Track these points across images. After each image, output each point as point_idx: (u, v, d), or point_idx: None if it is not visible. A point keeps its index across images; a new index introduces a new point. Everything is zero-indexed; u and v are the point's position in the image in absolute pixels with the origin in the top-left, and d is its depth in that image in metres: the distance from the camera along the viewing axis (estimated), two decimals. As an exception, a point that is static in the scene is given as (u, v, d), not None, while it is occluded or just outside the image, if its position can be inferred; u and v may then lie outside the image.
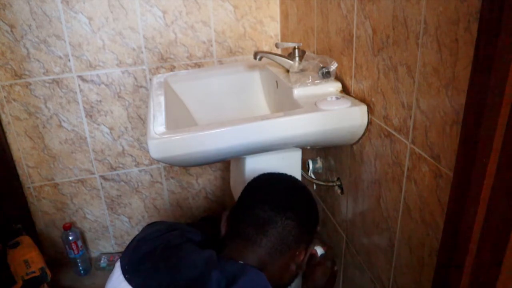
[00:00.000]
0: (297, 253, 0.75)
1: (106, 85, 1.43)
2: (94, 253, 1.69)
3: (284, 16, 1.43)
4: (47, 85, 1.38)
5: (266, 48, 1.52)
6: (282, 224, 0.71)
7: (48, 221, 1.59)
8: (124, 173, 1.59)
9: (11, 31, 1.29)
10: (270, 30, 1.50)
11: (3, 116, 1.39)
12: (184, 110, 1.25)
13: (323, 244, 0.88)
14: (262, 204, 0.72)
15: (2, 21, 1.27)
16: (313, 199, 0.81)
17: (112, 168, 1.57)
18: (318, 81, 1.00)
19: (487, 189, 0.52)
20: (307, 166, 1.20)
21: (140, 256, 0.70)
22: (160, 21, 1.39)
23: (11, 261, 1.37)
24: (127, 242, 1.69)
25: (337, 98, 0.92)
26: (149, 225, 0.80)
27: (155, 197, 1.67)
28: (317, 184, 1.19)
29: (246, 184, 0.82)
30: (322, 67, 0.99)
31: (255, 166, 1.05)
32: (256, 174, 1.01)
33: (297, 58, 1.10)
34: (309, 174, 1.20)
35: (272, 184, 0.79)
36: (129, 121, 1.51)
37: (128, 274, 0.68)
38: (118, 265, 0.71)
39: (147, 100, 1.46)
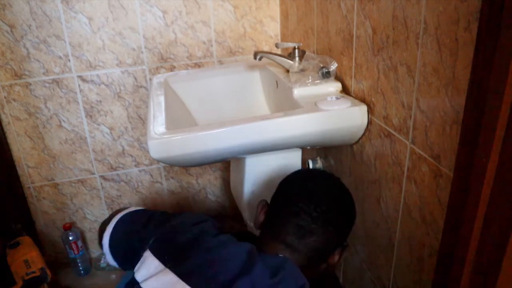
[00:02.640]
0: (332, 255, 0.76)
1: (106, 85, 1.43)
2: (94, 253, 1.69)
3: (284, 16, 1.43)
4: (47, 85, 1.38)
5: (266, 48, 1.52)
6: (324, 236, 0.72)
7: (48, 221, 1.59)
8: (124, 173, 1.59)
9: (11, 31, 1.29)
10: (270, 30, 1.50)
11: (3, 116, 1.39)
12: (184, 110, 1.25)
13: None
14: (305, 214, 0.71)
15: (2, 21, 1.27)
16: (354, 206, 0.80)
17: (112, 168, 1.57)
18: (318, 81, 1.00)
19: (487, 189, 0.52)
20: (307, 166, 1.20)
21: (178, 247, 0.68)
22: (160, 21, 1.39)
23: (11, 261, 1.37)
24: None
25: (337, 98, 0.92)
26: (169, 217, 0.78)
27: (155, 197, 1.67)
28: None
29: (289, 178, 0.81)
30: (322, 67, 0.99)
31: (255, 166, 1.05)
32: (256, 174, 1.01)
33: (297, 58, 1.10)
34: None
35: (317, 191, 0.76)
36: (129, 121, 1.51)
37: (170, 263, 0.66)
38: (148, 254, 0.69)
39: (147, 100, 1.46)
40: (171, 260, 0.67)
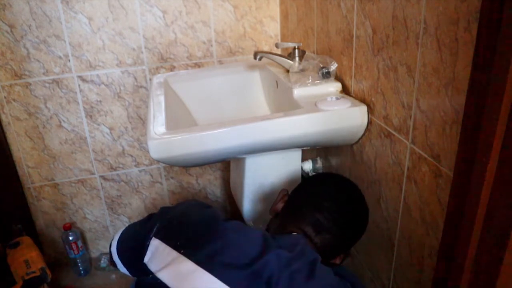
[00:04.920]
0: (337, 257, 0.79)
1: (106, 85, 1.43)
2: (94, 253, 1.69)
3: (284, 16, 1.43)
4: (47, 85, 1.38)
5: (266, 48, 1.52)
6: (337, 238, 0.74)
7: (48, 221, 1.59)
8: (124, 173, 1.59)
9: (11, 31, 1.29)
10: (270, 30, 1.50)
11: (3, 116, 1.39)
12: (184, 110, 1.25)
13: None
14: (328, 213, 0.73)
15: (2, 21, 1.27)
16: (367, 222, 0.83)
17: (112, 168, 1.57)
18: (318, 81, 1.00)
19: (487, 189, 0.52)
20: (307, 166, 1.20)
21: (191, 230, 0.66)
22: (160, 21, 1.39)
23: (11, 261, 1.37)
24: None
25: (337, 98, 0.92)
26: (168, 208, 0.76)
27: (155, 197, 1.67)
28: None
29: (316, 178, 0.86)
30: (322, 67, 0.99)
31: (255, 166, 1.05)
32: (256, 174, 1.02)
33: (297, 58, 1.10)
34: (309, 174, 1.20)
35: (343, 197, 0.78)
36: (129, 121, 1.51)
37: (184, 250, 0.64)
38: (157, 243, 0.67)
39: (147, 100, 1.46)
40: (186, 246, 0.64)
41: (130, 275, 0.76)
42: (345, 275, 0.69)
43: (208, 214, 0.70)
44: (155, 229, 0.70)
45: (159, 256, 0.66)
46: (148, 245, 0.68)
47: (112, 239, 0.79)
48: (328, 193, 0.78)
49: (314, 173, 1.21)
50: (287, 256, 0.63)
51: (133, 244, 0.74)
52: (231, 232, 0.66)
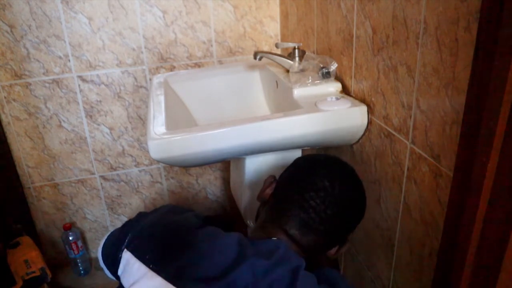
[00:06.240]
0: (331, 249, 0.75)
1: (106, 85, 1.43)
2: (94, 253, 1.69)
3: (284, 16, 1.43)
4: (47, 85, 1.38)
5: (266, 48, 1.52)
6: (327, 236, 0.69)
7: (48, 221, 1.59)
8: (124, 173, 1.59)
9: (11, 31, 1.29)
10: (270, 30, 1.50)
11: (3, 117, 1.39)
12: (184, 110, 1.25)
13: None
14: (315, 215, 0.67)
15: (2, 21, 1.27)
16: (365, 205, 0.75)
17: (112, 168, 1.57)
18: (318, 81, 1.00)
19: (487, 189, 0.52)
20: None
21: (161, 243, 0.62)
22: (160, 21, 1.39)
23: (11, 261, 1.37)
24: (127, 242, 1.69)
25: (337, 99, 0.92)
26: (145, 213, 0.73)
27: (155, 197, 1.67)
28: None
29: (306, 161, 0.76)
30: (322, 67, 0.99)
31: (255, 166, 1.05)
32: (256, 174, 0.99)
33: (297, 58, 1.10)
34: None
35: (332, 188, 0.69)
36: (129, 121, 1.51)
37: (153, 265, 0.60)
38: (128, 256, 0.63)
39: (147, 100, 1.46)
40: (155, 260, 0.61)
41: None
42: (331, 278, 0.65)
43: (181, 223, 0.66)
44: (127, 240, 0.66)
45: (130, 270, 0.63)
46: (120, 257, 0.66)
47: (99, 245, 0.77)
48: (316, 187, 0.68)
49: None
50: (264, 265, 0.58)
51: (110, 252, 0.71)
52: (203, 241, 0.62)
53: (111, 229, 1.65)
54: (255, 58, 1.12)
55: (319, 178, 0.69)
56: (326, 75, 0.99)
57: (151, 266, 0.60)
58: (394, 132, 0.80)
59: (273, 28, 1.50)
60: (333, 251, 0.75)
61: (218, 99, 1.30)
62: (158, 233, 0.65)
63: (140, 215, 0.73)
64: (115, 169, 1.57)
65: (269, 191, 0.77)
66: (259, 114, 1.04)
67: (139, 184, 1.62)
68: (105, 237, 0.77)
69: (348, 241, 0.78)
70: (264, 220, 0.73)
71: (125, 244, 0.66)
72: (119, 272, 0.66)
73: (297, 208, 0.68)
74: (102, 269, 0.76)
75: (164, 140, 0.83)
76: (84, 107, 1.44)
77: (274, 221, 0.70)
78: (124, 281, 0.64)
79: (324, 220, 0.67)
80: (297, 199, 0.69)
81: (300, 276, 0.59)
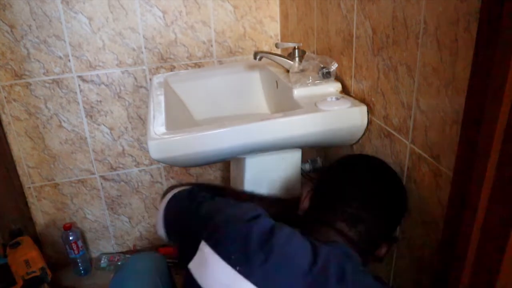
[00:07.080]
0: (380, 248, 0.74)
1: (106, 85, 1.43)
2: (94, 253, 1.69)
3: (284, 16, 1.43)
4: (47, 85, 1.38)
5: (266, 48, 1.52)
6: (374, 226, 0.69)
7: (48, 221, 1.59)
8: (124, 173, 1.59)
9: (11, 31, 1.29)
10: (270, 30, 1.50)
11: (3, 116, 1.39)
12: (184, 110, 1.25)
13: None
14: (356, 202, 0.68)
15: (2, 21, 1.27)
16: (406, 197, 0.77)
17: (112, 168, 1.57)
18: (318, 81, 1.00)
19: (487, 189, 0.52)
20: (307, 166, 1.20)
21: (244, 244, 0.61)
22: (160, 21, 1.39)
23: (12, 261, 1.37)
24: (128, 243, 1.69)
25: (337, 99, 0.92)
26: (212, 200, 0.74)
27: (155, 197, 1.67)
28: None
29: (338, 163, 0.78)
30: (322, 67, 0.99)
31: (255, 166, 1.05)
32: (256, 174, 0.99)
33: (297, 58, 1.10)
34: (309, 174, 1.20)
35: (368, 178, 0.73)
36: (129, 121, 1.51)
37: (239, 266, 0.59)
38: (208, 251, 0.62)
39: (147, 100, 1.46)
40: (240, 262, 0.60)
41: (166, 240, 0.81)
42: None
43: (259, 223, 0.65)
44: (205, 233, 0.65)
45: (211, 268, 0.61)
46: (197, 248, 0.64)
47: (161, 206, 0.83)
48: (352, 179, 0.72)
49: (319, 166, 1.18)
50: (339, 250, 0.62)
51: (182, 224, 0.75)
52: (282, 245, 0.61)
53: (111, 229, 1.66)
54: (255, 58, 1.12)
55: (354, 170, 0.75)
56: (326, 75, 0.99)
57: (238, 268, 0.59)
58: (394, 132, 0.80)
59: (273, 28, 1.50)
60: (382, 250, 0.73)
61: (218, 99, 1.30)
62: (237, 232, 0.63)
63: (209, 203, 0.74)
64: (115, 169, 1.57)
65: (307, 201, 0.77)
66: (259, 114, 1.04)
67: (139, 184, 1.62)
68: (167, 201, 0.82)
69: (397, 238, 0.78)
70: (313, 224, 0.72)
71: (204, 236, 0.64)
72: (191, 265, 0.64)
73: (337, 201, 0.70)
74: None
75: (164, 140, 0.83)
76: (84, 107, 1.44)
77: (321, 221, 0.70)
78: (201, 278, 0.62)
79: (365, 207, 0.69)
80: (336, 194, 0.71)
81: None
